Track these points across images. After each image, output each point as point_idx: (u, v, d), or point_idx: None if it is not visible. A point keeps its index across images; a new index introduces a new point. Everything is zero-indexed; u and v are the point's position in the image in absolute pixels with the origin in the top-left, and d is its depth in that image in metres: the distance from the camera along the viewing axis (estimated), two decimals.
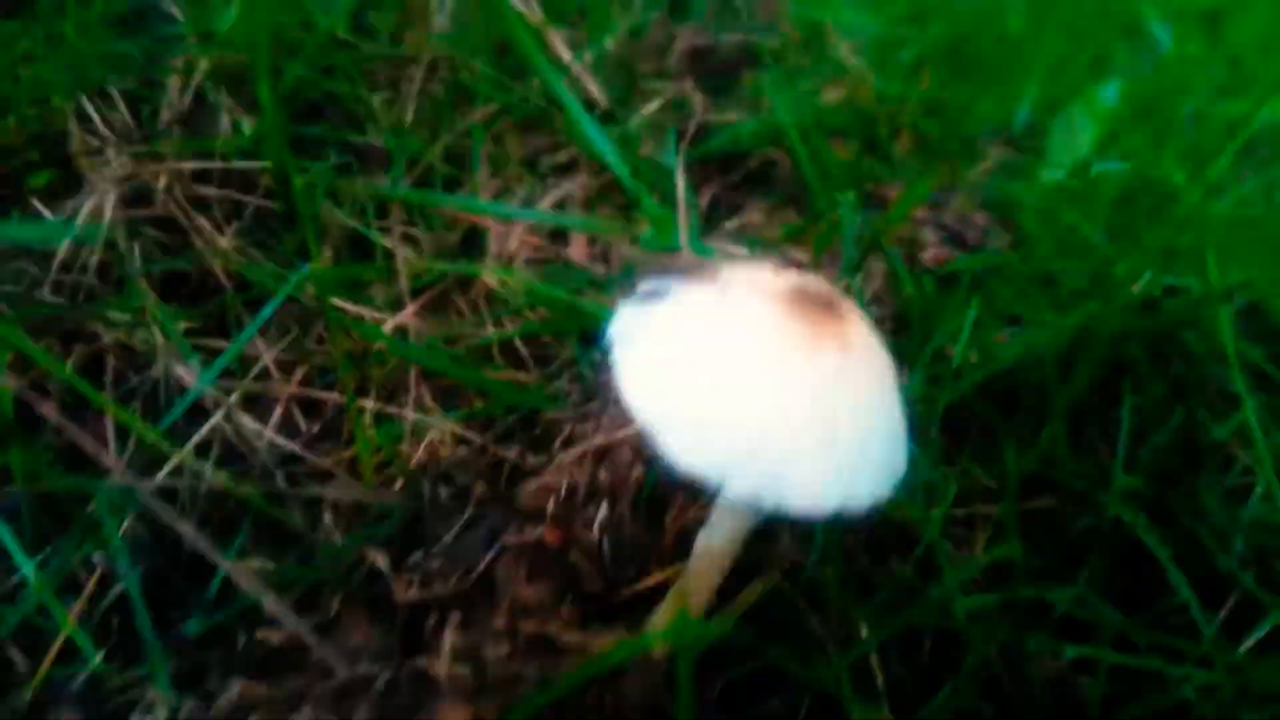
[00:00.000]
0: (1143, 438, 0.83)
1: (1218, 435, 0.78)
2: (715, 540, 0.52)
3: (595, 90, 1.03)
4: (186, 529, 0.51)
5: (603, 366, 0.74)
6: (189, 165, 0.84)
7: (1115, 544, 0.77)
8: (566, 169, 1.03)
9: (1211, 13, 1.60)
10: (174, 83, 0.90)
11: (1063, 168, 1.09)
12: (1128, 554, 0.78)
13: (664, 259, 0.56)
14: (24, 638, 0.56)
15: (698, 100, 1.21)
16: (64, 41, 0.89)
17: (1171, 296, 0.85)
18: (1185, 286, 0.86)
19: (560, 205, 0.98)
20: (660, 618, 0.55)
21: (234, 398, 0.69)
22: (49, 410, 0.59)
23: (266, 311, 0.67)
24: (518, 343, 0.83)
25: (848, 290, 0.74)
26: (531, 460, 0.64)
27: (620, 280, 0.77)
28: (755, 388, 0.43)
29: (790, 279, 0.47)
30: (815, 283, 0.47)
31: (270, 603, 0.49)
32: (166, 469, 0.63)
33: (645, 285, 0.48)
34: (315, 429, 0.73)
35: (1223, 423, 0.80)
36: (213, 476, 0.61)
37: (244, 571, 0.51)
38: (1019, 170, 1.13)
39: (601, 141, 0.67)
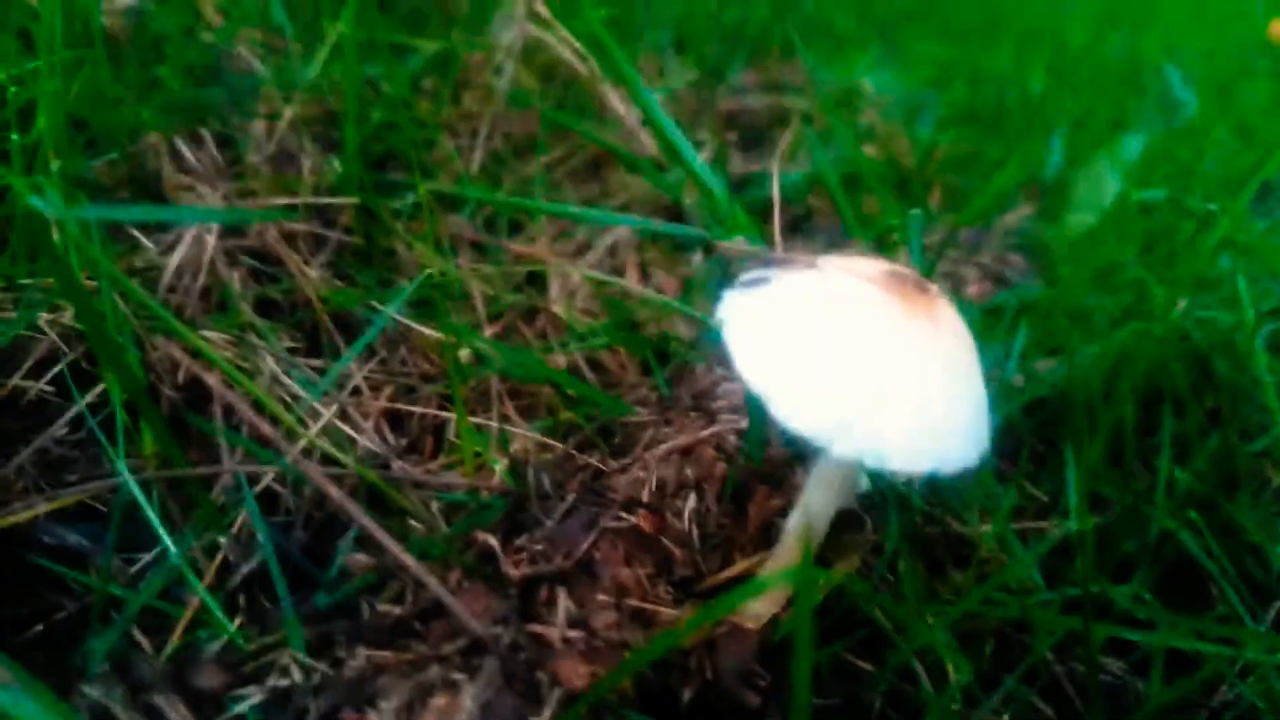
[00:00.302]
0: (1183, 460, 0.87)
1: (1256, 448, 0.81)
2: (807, 518, 0.56)
3: (647, 141, 1.10)
4: (334, 491, 0.55)
5: (676, 378, 0.79)
6: (279, 200, 0.89)
7: (1160, 560, 0.81)
8: (619, 212, 1.09)
9: (1223, 82, 1.69)
10: (260, 127, 0.96)
11: (1091, 212, 1.15)
12: (1172, 571, 0.82)
13: (762, 252, 0.61)
14: (148, 619, 0.59)
15: (736, 155, 1.28)
16: (157, 85, 0.96)
17: (1204, 326, 0.90)
18: (1215, 318, 0.91)
19: (613, 247, 1.03)
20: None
21: (335, 407, 0.73)
22: (215, 380, 0.64)
23: (375, 331, 0.72)
24: (585, 369, 0.87)
25: None
26: (613, 464, 0.68)
27: (709, 278, 0.82)
28: (857, 356, 0.47)
29: (882, 264, 0.52)
30: (905, 268, 0.52)
31: (408, 561, 0.53)
32: (299, 447, 0.67)
33: (748, 275, 0.53)
34: (404, 443, 0.77)
35: (1260, 442, 0.84)
36: (335, 453, 0.65)
37: (382, 532, 0.54)
38: (1047, 217, 1.19)
39: (700, 166, 0.73)
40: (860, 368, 0.47)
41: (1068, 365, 0.83)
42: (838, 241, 1.12)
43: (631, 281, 0.99)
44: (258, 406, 0.68)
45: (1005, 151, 1.28)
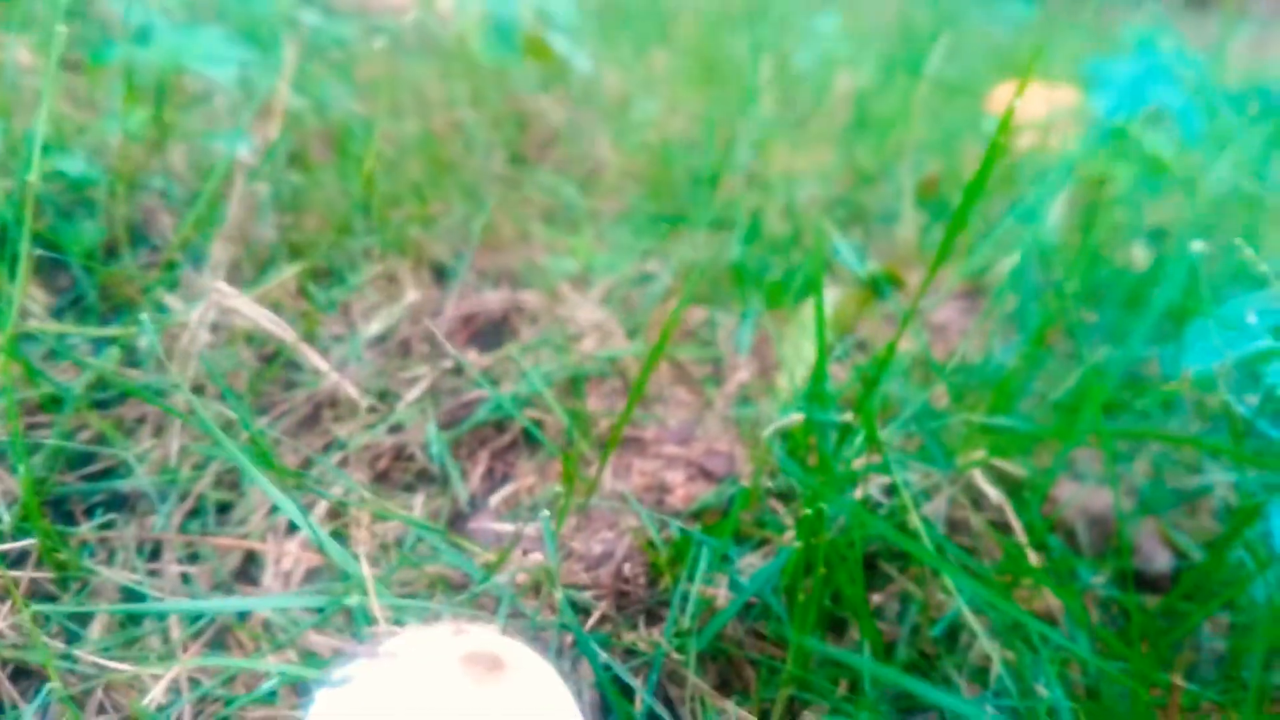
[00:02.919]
0: (900, 625, 0.92)
1: (948, 620, 0.87)
2: None
3: (355, 393, 1.11)
4: None
5: None
6: None
7: None
8: (340, 466, 1.09)
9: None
10: None
11: (793, 378, 1.22)
12: None
13: (356, 645, 0.62)
14: None
15: (472, 361, 1.29)
16: None
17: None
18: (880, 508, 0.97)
19: (336, 513, 1.04)
20: None
21: None
22: None
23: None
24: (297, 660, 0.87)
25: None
26: None
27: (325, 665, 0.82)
28: None
29: (462, 644, 0.54)
30: (485, 641, 0.54)
31: None
32: None
33: (338, 672, 0.54)
34: None
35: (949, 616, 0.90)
36: None
37: None
38: (762, 387, 1.25)
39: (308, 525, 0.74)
40: None
41: (758, 575, 0.87)
42: (567, 445, 1.15)
43: (352, 551, 0.99)
44: None
45: (716, 322, 1.35)
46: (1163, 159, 1.99)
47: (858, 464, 0.91)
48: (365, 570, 0.70)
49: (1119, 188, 1.98)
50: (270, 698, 0.81)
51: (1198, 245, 0.82)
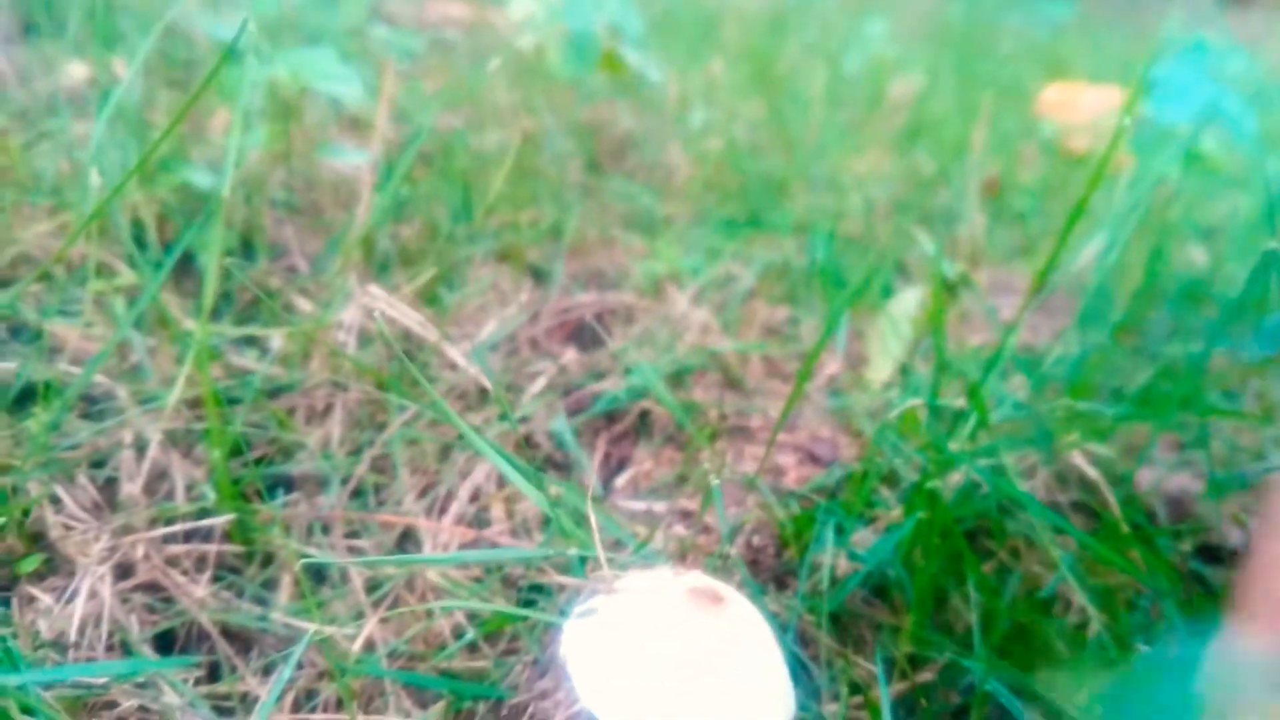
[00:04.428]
0: (1001, 595, 1.01)
1: (1047, 592, 0.96)
2: None
3: (489, 383, 1.21)
4: None
5: (546, 644, 0.89)
6: (159, 532, 0.97)
7: (988, 703, 0.94)
8: (473, 456, 1.19)
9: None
10: (129, 456, 1.04)
11: (884, 366, 1.31)
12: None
13: (590, 584, 0.72)
14: None
15: (574, 363, 1.40)
16: (29, 437, 1.03)
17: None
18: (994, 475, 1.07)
19: (476, 493, 1.14)
20: None
21: None
22: None
23: (280, 683, 0.80)
24: (467, 625, 0.97)
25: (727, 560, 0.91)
26: None
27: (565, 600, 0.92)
28: (671, 675, 0.59)
29: (684, 581, 0.64)
30: (703, 580, 0.64)
31: None
32: None
33: (580, 606, 0.64)
34: None
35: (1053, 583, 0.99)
36: None
37: None
38: (852, 380, 1.35)
39: (523, 478, 0.83)
40: (675, 687, 0.59)
41: (876, 546, 0.97)
42: (676, 438, 1.25)
43: (497, 527, 1.09)
44: None
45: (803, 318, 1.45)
46: (1216, 160, 2.06)
47: (963, 446, 1.00)
48: (591, 517, 0.79)
49: (1174, 188, 2.06)
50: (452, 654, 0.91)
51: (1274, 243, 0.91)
